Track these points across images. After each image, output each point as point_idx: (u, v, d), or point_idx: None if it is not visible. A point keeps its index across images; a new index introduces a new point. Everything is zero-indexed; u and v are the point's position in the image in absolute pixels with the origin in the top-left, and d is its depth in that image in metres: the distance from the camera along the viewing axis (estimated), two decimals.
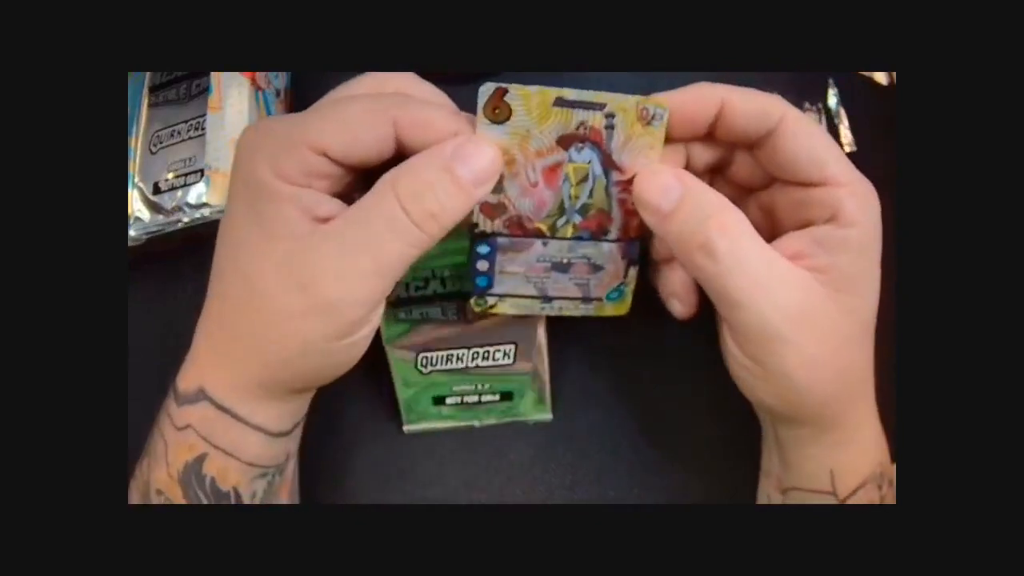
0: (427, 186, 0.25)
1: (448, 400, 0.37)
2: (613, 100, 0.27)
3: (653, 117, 0.28)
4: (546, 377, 0.37)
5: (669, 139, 0.29)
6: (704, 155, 0.30)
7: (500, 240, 0.30)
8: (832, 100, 0.43)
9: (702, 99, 0.27)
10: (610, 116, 0.28)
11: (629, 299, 0.32)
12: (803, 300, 0.26)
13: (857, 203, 0.27)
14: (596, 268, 0.31)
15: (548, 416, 0.38)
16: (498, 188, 0.28)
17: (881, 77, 0.44)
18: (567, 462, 0.38)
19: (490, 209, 0.29)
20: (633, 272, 0.32)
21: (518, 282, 0.31)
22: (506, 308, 0.32)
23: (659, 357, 0.38)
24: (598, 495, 0.38)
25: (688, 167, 0.29)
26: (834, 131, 0.42)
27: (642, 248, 0.31)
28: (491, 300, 0.32)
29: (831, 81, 0.43)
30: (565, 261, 0.31)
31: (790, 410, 0.29)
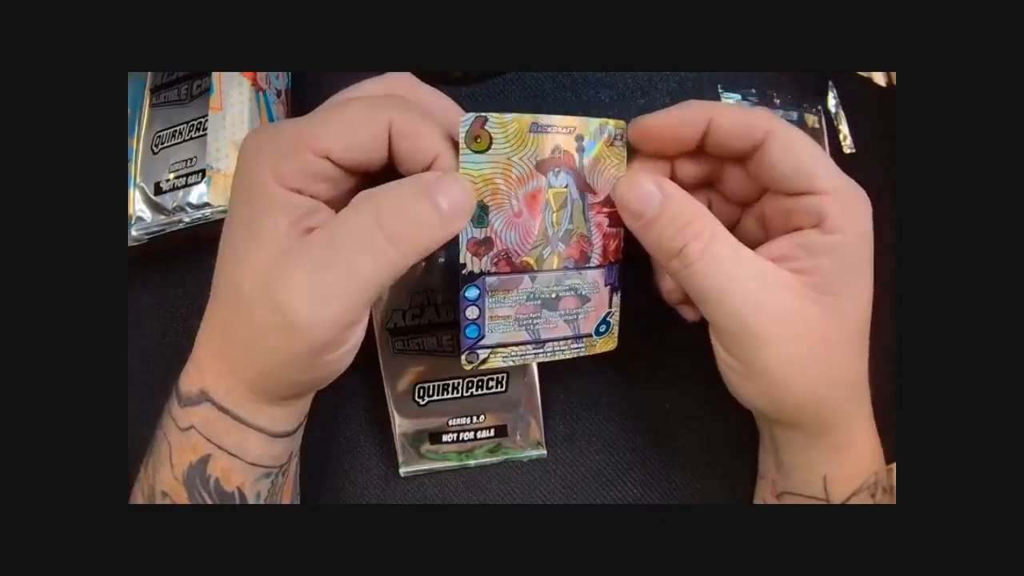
0: (408, 205, 0.25)
1: (445, 438, 0.37)
2: (580, 123, 0.29)
3: (615, 138, 0.29)
4: (539, 413, 0.37)
5: (656, 155, 0.30)
6: (692, 170, 0.31)
7: (489, 280, 0.29)
8: (831, 102, 0.43)
9: (689, 117, 0.29)
10: (580, 139, 0.29)
11: (616, 332, 0.32)
12: (782, 299, 0.27)
13: (842, 209, 0.27)
14: (583, 299, 0.31)
15: (543, 452, 0.38)
16: (484, 221, 0.28)
17: (880, 78, 0.44)
18: (567, 462, 0.38)
19: (477, 246, 0.28)
20: (616, 299, 0.32)
21: (509, 327, 0.30)
22: (498, 362, 0.31)
23: (657, 358, 0.38)
24: (598, 495, 0.38)
25: (678, 181, 0.30)
26: (833, 132, 0.42)
27: (621, 272, 0.32)
28: (482, 354, 0.30)
29: (831, 83, 0.43)
30: (553, 296, 0.30)
31: (776, 410, 0.29)
